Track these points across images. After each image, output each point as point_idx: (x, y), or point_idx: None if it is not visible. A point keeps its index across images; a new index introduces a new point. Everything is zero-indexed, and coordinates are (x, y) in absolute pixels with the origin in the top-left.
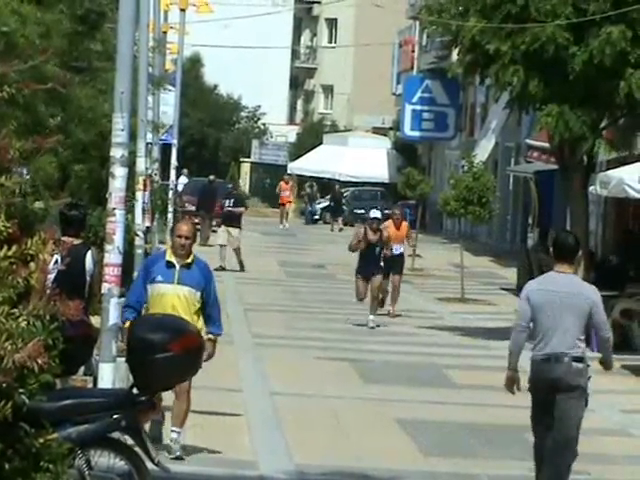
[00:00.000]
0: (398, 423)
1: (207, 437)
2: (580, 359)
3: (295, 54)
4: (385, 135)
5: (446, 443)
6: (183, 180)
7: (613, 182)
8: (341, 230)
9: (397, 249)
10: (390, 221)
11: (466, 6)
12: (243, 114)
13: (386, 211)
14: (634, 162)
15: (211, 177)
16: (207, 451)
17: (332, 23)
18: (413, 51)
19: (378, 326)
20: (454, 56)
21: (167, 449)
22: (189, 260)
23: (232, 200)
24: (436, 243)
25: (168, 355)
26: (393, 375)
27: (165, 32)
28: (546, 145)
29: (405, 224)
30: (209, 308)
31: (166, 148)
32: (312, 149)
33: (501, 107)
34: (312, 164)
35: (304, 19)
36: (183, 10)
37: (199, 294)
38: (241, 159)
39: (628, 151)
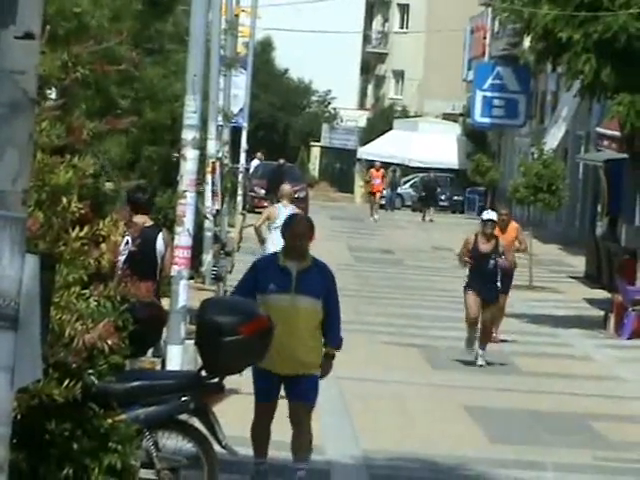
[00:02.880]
0: (465, 409)
1: (275, 422)
2: None
3: (367, 39)
4: (455, 121)
5: (512, 430)
6: (256, 163)
7: None
8: (432, 221)
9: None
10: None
11: None
12: (314, 98)
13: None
14: None
15: (281, 161)
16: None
17: (404, 8)
18: (485, 37)
19: (490, 364)
20: (526, 43)
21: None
22: (307, 263)
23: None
24: None
25: (237, 338)
26: (462, 362)
27: (237, 15)
28: (616, 134)
29: (514, 225)
30: (329, 318)
31: (237, 131)
32: (382, 134)
33: (572, 95)
34: (382, 149)
35: (376, 4)
36: None
37: (320, 303)
38: (311, 143)
39: None
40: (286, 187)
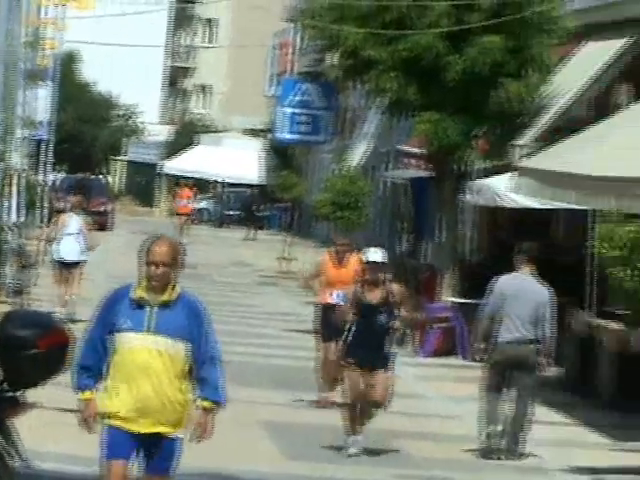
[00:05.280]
0: (262, 425)
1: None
2: None
3: (173, 53)
4: (259, 137)
5: (309, 446)
6: (60, 176)
7: (485, 190)
8: (254, 239)
9: (338, 296)
10: (327, 254)
11: (342, 13)
12: (119, 112)
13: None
14: (506, 171)
15: (85, 174)
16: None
17: (210, 23)
18: (290, 54)
19: (357, 455)
20: (331, 60)
21: None
22: (169, 296)
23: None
24: (307, 247)
25: (35, 352)
26: (259, 377)
27: (41, 27)
28: (420, 151)
29: (355, 258)
30: (201, 366)
31: (41, 144)
32: (186, 148)
33: (377, 112)
34: (187, 164)
35: (182, 18)
36: (63, 5)
37: (184, 346)
38: (115, 157)
39: (501, 160)
40: (74, 198)
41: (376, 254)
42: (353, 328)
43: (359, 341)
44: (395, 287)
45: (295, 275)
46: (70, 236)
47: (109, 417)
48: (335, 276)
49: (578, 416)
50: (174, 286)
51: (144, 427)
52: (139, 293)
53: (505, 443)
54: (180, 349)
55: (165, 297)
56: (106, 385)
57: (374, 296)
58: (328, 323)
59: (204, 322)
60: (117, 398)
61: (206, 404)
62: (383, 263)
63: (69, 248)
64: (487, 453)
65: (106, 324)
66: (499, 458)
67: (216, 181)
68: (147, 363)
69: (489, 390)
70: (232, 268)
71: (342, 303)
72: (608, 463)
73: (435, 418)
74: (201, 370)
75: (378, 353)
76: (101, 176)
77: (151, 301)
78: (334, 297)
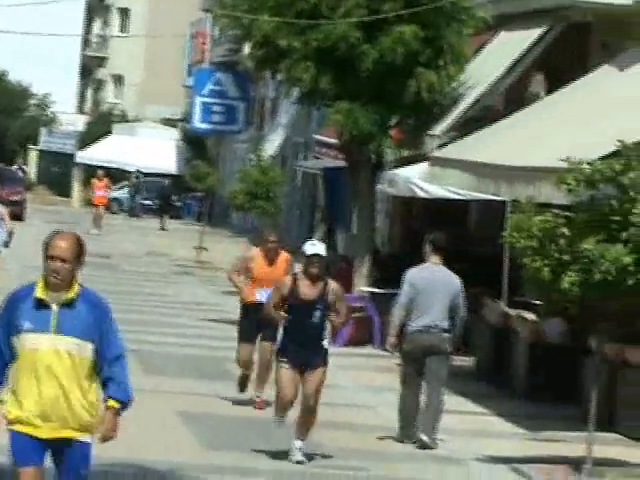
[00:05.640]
0: (179, 416)
1: None
2: None
3: (87, 43)
4: (175, 127)
5: (226, 437)
6: None
7: (400, 181)
8: (164, 229)
9: (264, 295)
10: (258, 250)
11: (257, 3)
12: (32, 101)
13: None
14: (421, 161)
15: None
16: None
17: (124, 12)
18: (204, 43)
19: (311, 458)
20: (245, 50)
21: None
22: (71, 294)
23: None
24: (222, 236)
25: None
26: (175, 367)
27: None
28: (335, 141)
29: (285, 256)
30: (107, 366)
31: None
32: (101, 138)
33: (291, 102)
34: (101, 154)
35: (96, 8)
36: None
37: (90, 347)
38: (29, 146)
39: (415, 150)
40: None
41: (317, 247)
42: (285, 325)
43: (293, 338)
44: (334, 285)
45: (210, 265)
46: None
47: (15, 423)
48: (264, 274)
49: (492, 406)
50: (76, 284)
51: (51, 432)
52: (41, 292)
53: (419, 433)
54: (87, 350)
55: (68, 295)
56: (10, 390)
57: (311, 292)
58: (251, 322)
59: (109, 320)
60: (21, 403)
61: (112, 403)
62: (323, 256)
63: None
64: (402, 443)
65: (8, 326)
66: (418, 447)
67: (129, 171)
68: (52, 366)
69: (403, 380)
70: (147, 258)
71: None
72: (522, 452)
73: (351, 408)
74: (107, 369)
75: (314, 350)
76: (15, 167)
77: (53, 300)
78: (262, 295)
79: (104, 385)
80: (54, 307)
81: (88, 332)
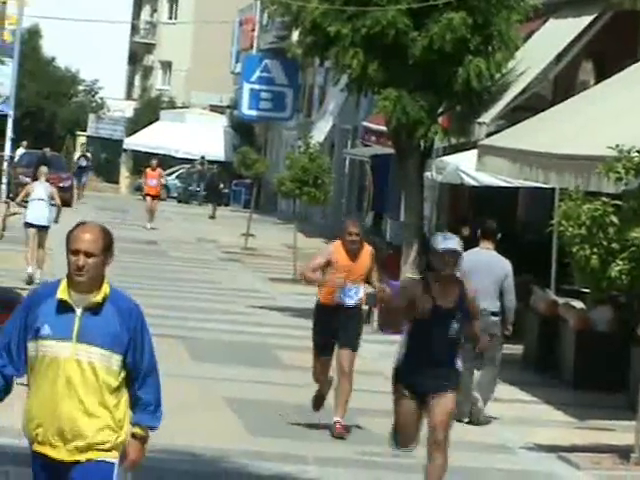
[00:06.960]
0: (226, 402)
1: None
2: None
3: (135, 29)
4: (222, 113)
5: (274, 423)
6: (21, 152)
7: (448, 168)
8: (213, 217)
9: (350, 294)
10: (338, 243)
11: None
12: (80, 87)
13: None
14: (469, 149)
15: (45, 150)
16: None
17: None
18: (253, 30)
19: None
20: (294, 36)
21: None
22: (98, 297)
23: None
24: (270, 223)
25: None
26: (223, 354)
27: (4, 2)
28: (383, 129)
29: (368, 249)
30: (136, 382)
31: (2, 119)
32: (149, 125)
33: (339, 89)
34: (149, 140)
35: None
36: None
37: (118, 359)
38: (77, 133)
39: (464, 138)
40: (43, 168)
41: (452, 241)
42: (408, 343)
43: (419, 358)
44: (470, 285)
45: (258, 252)
46: (40, 201)
47: (32, 442)
48: (347, 271)
49: (540, 394)
50: (105, 284)
51: (69, 455)
52: (64, 293)
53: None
54: (113, 361)
55: (95, 298)
56: (25, 404)
57: (448, 297)
58: (325, 328)
59: (140, 328)
60: (35, 419)
61: (137, 430)
62: (459, 252)
63: (39, 214)
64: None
65: (25, 329)
66: (471, 422)
67: (177, 157)
68: (72, 378)
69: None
70: (194, 244)
71: (353, 302)
72: (570, 441)
73: None
74: (135, 387)
75: (443, 370)
76: (78, 153)
77: (78, 302)
78: (345, 296)
79: (132, 404)
80: (78, 311)
81: (115, 341)
